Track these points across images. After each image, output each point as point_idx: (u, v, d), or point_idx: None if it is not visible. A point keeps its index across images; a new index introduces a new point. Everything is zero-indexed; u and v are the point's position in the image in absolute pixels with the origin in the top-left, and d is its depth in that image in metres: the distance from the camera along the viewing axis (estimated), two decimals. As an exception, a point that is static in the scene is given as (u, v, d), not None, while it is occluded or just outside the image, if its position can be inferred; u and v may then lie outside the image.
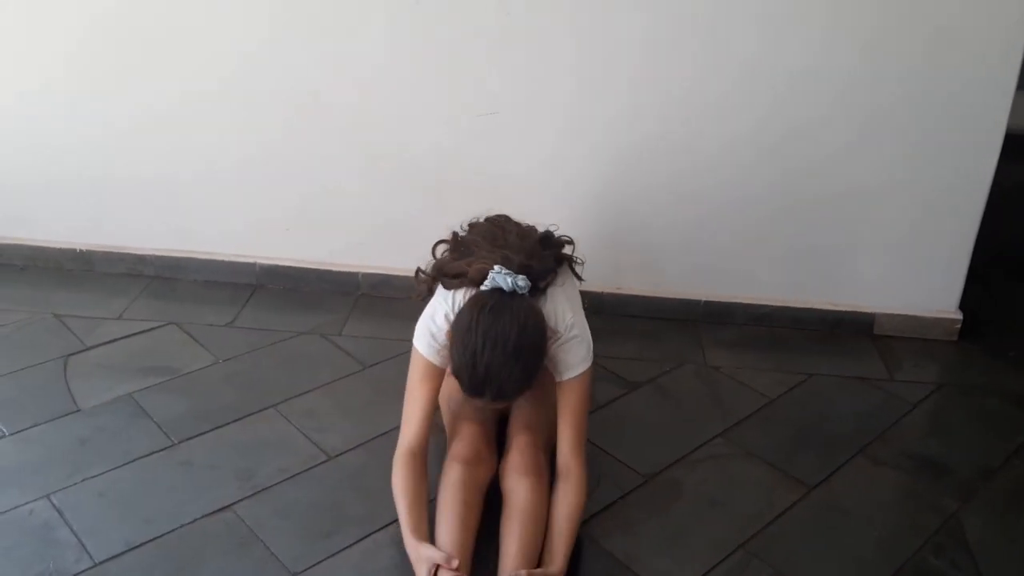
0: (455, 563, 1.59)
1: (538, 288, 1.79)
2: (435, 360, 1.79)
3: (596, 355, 2.35)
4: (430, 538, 1.68)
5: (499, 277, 1.72)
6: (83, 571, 1.68)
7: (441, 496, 1.75)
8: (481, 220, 1.97)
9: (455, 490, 1.76)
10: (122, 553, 1.72)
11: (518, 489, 1.78)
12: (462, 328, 1.66)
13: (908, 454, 2.12)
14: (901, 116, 2.34)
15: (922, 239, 2.49)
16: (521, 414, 1.94)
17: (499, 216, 1.97)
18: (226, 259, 2.71)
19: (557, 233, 1.98)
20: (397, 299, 2.61)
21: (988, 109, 2.29)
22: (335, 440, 2.06)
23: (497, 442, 1.94)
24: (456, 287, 1.79)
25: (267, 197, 2.63)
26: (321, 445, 2.05)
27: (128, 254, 2.73)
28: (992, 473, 2.07)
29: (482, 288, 1.73)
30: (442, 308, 1.79)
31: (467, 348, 1.63)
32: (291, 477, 1.95)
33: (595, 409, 2.22)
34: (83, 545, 1.73)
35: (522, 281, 1.73)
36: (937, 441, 2.19)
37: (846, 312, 2.60)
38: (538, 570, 1.62)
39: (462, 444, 1.85)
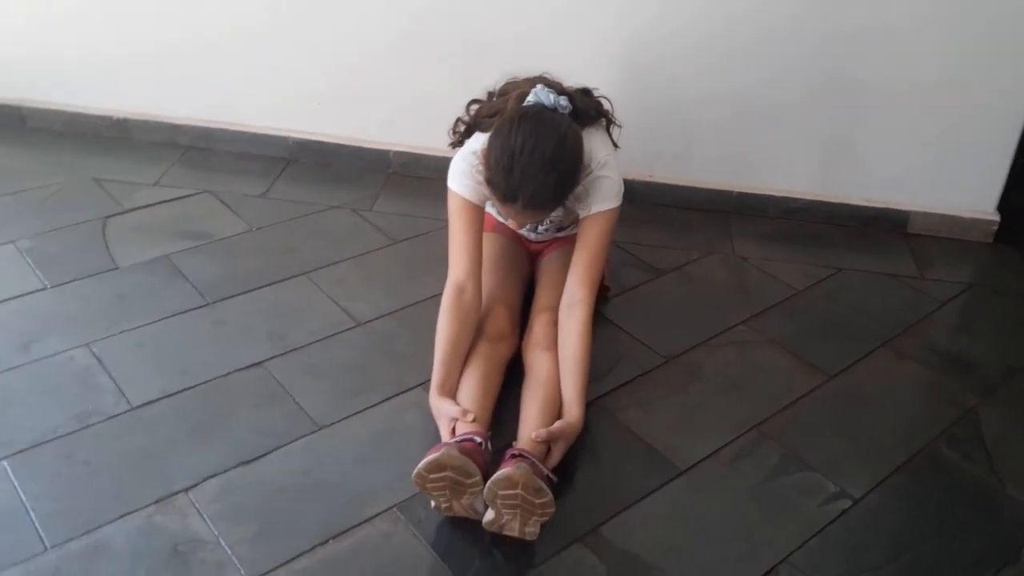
0: (471, 416, 1.64)
1: (576, 121, 1.81)
2: (471, 196, 1.82)
3: (624, 241, 2.40)
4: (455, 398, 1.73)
5: (542, 93, 1.76)
6: (120, 414, 1.76)
7: (466, 369, 1.80)
8: (517, 77, 1.95)
9: (478, 363, 1.80)
10: (158, 399, 1.80)
11: (539, 362, 1.82)
12: (503, 132, 1.69)
13: (933, 349, 2.13)
14: (945, 7, 2.26)
15: (962, 136, 2.43)
16: (544, 293, 1.97)
17: (538, 75, 1.94)
18: (260, 131, 2.72)
19: (597, 94, 1.99)
20: (428, 178, 2.62)
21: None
22: (364, 309, 2.10)
23: (522, 324, 1.98)
24: (493, 126, 1.78)
25: (300, 71, 2.62)
26: (351, 312, 2.09)
27: (164, 123, 2.75)
28: (1016, 372, 2.07)
29: (524, 103, 1.76)
30: (477, 144, 1.81)
31: (505, 150, 1.67)
32: (321, 340, 2.00)
33: (619, 293, 2.25)
34: (121, 390, 1.81)
35: (564, 100, 1.77)
36: (963, 338, 2.20)
37: (880, 209, 2.56)
38: (556, 424, 1.66)
39: (488, 322, 1.89)
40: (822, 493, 1.70)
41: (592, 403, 1.84)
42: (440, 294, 1.85)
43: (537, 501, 1.46)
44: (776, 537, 1.60)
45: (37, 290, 2.09)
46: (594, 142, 1.87)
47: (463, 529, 1.56)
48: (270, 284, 2.17)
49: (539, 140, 1.67)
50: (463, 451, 1.48)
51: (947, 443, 1.85)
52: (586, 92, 1.96)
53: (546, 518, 1.50)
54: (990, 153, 2.45)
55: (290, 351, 1.96)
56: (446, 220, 1.89)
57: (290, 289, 2.16)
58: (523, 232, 2.12)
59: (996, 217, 2.53)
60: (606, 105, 2.00)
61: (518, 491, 1.44)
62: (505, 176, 1.67)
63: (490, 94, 1.95)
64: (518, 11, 2.41)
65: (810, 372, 2.02)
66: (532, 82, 1.86)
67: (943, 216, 2.54)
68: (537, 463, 1.53)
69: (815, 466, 1.76)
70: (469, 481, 1.48)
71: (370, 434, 1.76)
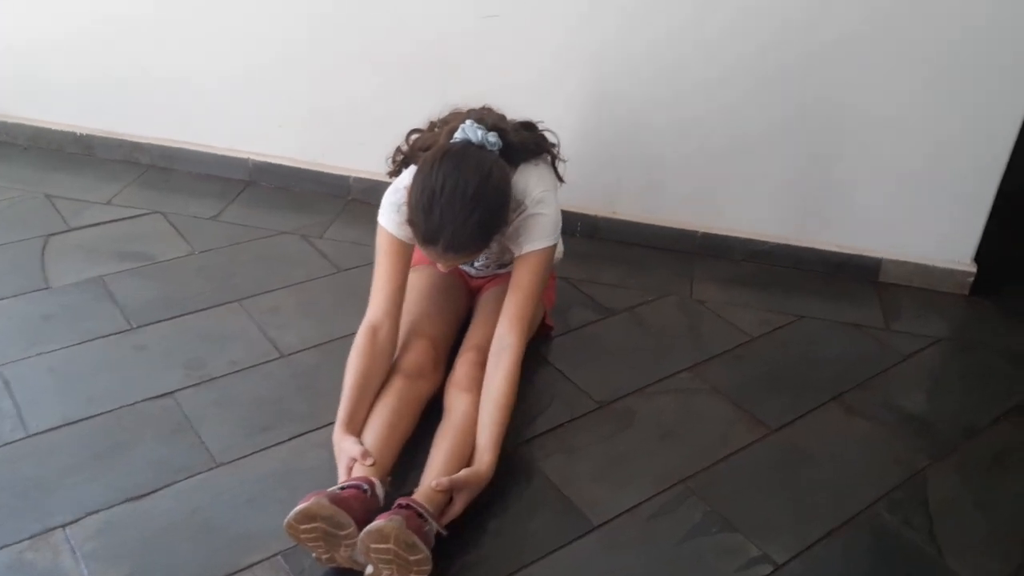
0: (370, 460, 1.56)
1: (509, 157, 1.75)
2: (399, 233, 1.75)
3: (577, 278, 2.32)
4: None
5: (469, 129, 1.69)
6: (16, 440, 1.70)
7: (376, 405, 1.72)
8: (461, 109, 1.88)
9: (389, 399, 1.72)
10: (58, 427, 1.74)
11: (457, 404, 1.74)
12: (424, 171, 1.63)
13: (888, 406, 2.00)
14: (922, 35, 2.15)
15: (937, 180, 2.31)
16: (473, 331, 1.90)
17: (482, 107, 1.87)
18: (221, 152, 2.69)
19: (542, 127, 1.91)
20: (386, 206, 2.55)
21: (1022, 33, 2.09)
22: (292, 339, 2.04)
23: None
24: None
25: (263, 92, 2.58)
26: (277, 343, 2.03)
27: (126, 141, 2.73)
28: (975, 433, 1.94)
29: (451, 141, 1.69)
30: (407, 179, 1.74)
31: (425, 190, 1.60)
32: (240, 371, 1.94)
33: (563, 332, 2.16)
34: (21, 416, 1.76)
35: (492, 137, 1.70)
36: (923, 395, 2.07)
37: (850, 255, 2.45)
38: (461, 473, 1.57)
39: (406, 357, 1.81)
40: (742, 557, 1.59)
41: (514, 448, 1.76)
42: (361, 330, 1.78)
43: (411, 557, 1.37)
44: (681, 604, 1.50)
45: (-34, 306, 2.06)
46: (530, 178, 1.80)
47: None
48: (201, 310, 2.11)
49: (460, 179, 1.59)
50: (335, 500, 1.40)
51: (888, 507, 1.73)
52: (528, 126, 1.88)
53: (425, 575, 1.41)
54: (967, 199, 2.33)
55: (204, 381, 1.89)
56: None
57: (220, 316, 2.11)
58: (463, 267, 2.05)
59: (972, 268, 2.41)
60: (551, 139, 1.92)
61: (390, 545, 1.36)
62: (425, 217, 1.60)
63: (432, 123, 1.88)
64: (485, 37, 2.35)
65: (751, 424, 1.91)
66: (475, 113, 1.79)
67: (916, 265, 2.42)
68: (424, 514, 1.44)
69: (739, 527, 1.65)
70: (342, 533, 1.39)
71: (269, 474, 1.68)
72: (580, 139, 2.43)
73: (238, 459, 1.71)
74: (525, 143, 1.82)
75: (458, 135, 1.69)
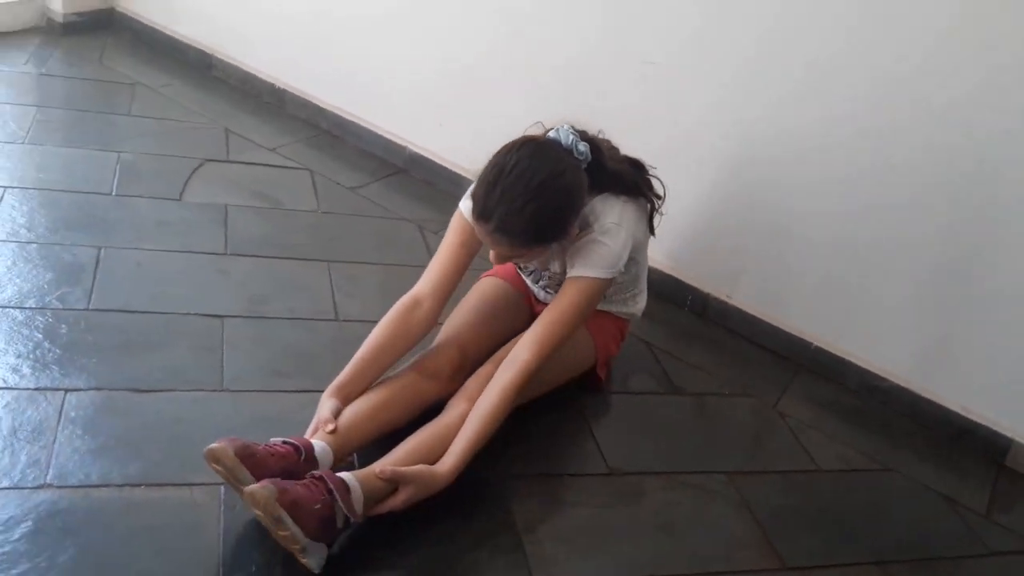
0: (329, 428, 1.55)
1: (598, 180, 1.71)
2: (470, 217, 1.70)
3: (661, 348, 2.21)
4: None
5: (563, 131, 1.68)
6: (75, 309, 1.87)
7: (378, 384, 1.71)
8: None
9: (390, 386, 1.71)
10: (113, 311, 1.90)
11: (452, 409, 1.69)
12: (503, 150, 1.62)
13: (939, 594, 1.71)
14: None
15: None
16: (506, 349, 1.83)
17: (597, 132, 1.81)
18: (384, 135, 2.82)
19: (656, 177, 1.84)
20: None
21: None
22: (354, 308, 2.09)
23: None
24: None
25: (435, 92, 2.68)
26: (339, 307, 2.08)
27: (312, 103, 2.94)
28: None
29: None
30: None
31: (496, 166, 1.59)
32: (292, 319, 2.01)
33: (612, 391, 2.04)
34: (91, 292, 1.93)
35: (583, 147, 1.67)
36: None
37: (978, 424, 2.12)
38: (412, 467, 1.51)
39: (430, 357, 1.79)
40: None
41: (497, 476, 1.69)
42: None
43: (280, 532, 1.34)
44: None
45: (104, 193, 2.30)
46: (610, 208, 1.73)
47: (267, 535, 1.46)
48: (291, 258, 2.22)
49: (531, 165, 1.57)
50: (245, 453, 1.39)
51: None
52: (635, 164, 1.82)
53: (298, 552, 1.36)
54: None
55: (255, 317, 1.98)
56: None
57: (304, 268, 2.20)
58: (533, 288, 2.00)
59: (1125, 483, 2.01)
60: (657, 187, 1.84)
61: (260, 513, 1.33)
62: (486, 191, 1.59)
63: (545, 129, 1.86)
64: (640, 83, 2.31)
65: (764, 553, 1.70)
66: (580, 127, 1.74)
67: (1054, 459, 2.06)
68: (334, 492, 1.39)
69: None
70: (242, 486, 1.38)
71: (261, 414, 1.72)
72: (709, 210, 2.32)
73: (243, 391, 1.76)
74: (621, 175, 1.76)
75: (551, 133, 1.68)
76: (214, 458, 1.39)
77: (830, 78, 2.04)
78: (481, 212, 1.60)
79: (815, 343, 2.28)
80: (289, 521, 1.31)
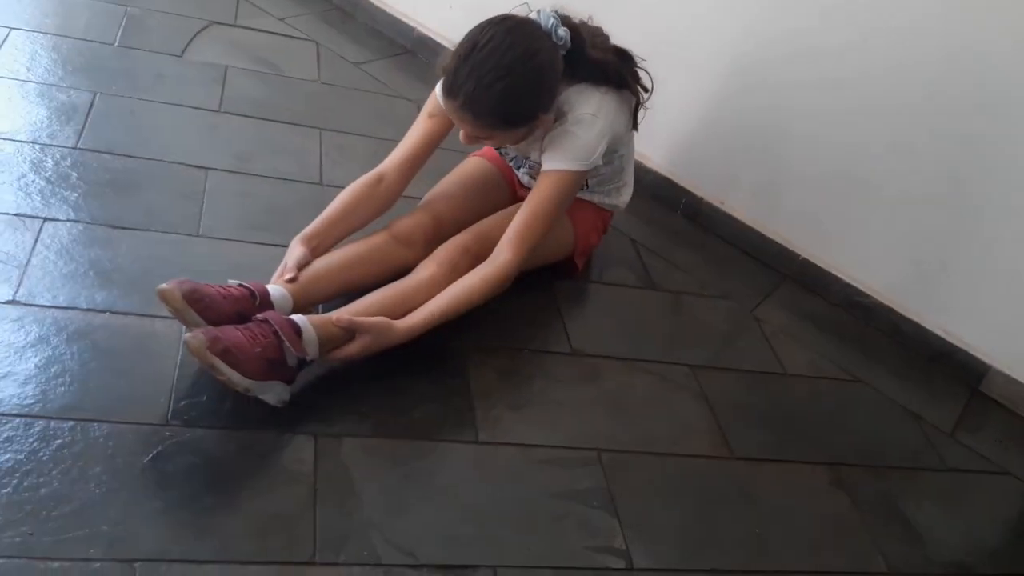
0: (288, 275, 1.57)
1: (577, 69, 1.67)
2: (442, 98, 1.68)
3: (647, 245, 2.20)
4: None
5: (543, 14, 1.64)
6: (64, 147, 1.89)
7: (349, 243, 1.72)
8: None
9: (361, 245, 1.72)
10: (100, 151, 1.92)
11: (420, 271, 1.70)
12: (480, 25, 1.59)
13: (885, 502, 1.72)
14: None
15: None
16: (483, 224, 1.83)
17: (587, 18, 1.76)
18: (393, 14, 2.78)
19: (645, 69, 1.78)
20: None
21: None
22: (338, 175, 2.08)
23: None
24: None
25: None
26: (325, 172, 2.09)
27: (328, -22, 2.91)
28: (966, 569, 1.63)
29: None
30: None
31: (469, 39, 1.57)
32: (276, 178, 2.02)
33: (587, 279, 2.05)
34: (81, 131, 1.95)
35: (562, 31, 1.63)
36: (934, 516, 1.73)
37: (956, 348, 2.10)
38: (370, 319, 1.52)
39: (402, 221, 1.79)
40: (602, 541, 1.44)
41: (458, 341, 1.71)
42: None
43: (218, 377, 1.37)
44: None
45: (107, 43, 2.30)
46: (586, 98, 1.70)
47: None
48: (283, 122, 2.22)
49: (505, 42, 1.54)
50: (195, 295, 1.41)
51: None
52: (622, 54, 1.76)
53: (244, 393, 1.40)
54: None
55: (240, 172, 1.99)
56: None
57: (295, 132, 2.20)
58: (517, 173, 1.99)
59: (1098, 414, 1.99)
60: (645, 80, 1.80)
61: (197, 359, 1.37)
62: (457, 65, 1.56)
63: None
64: None
65: (714, 442, 1.71)
66: (564, 13, 1.69)
67: (1030, 390, 2.05)
68: (280, 334, 1.41)
69: (623, 517, 1.49)
70: (189, 327, 1.42)
71: (231, 262, 1.73)
72: (708, 113, 2.28)
73: (217, 238, 1.79)
74: (603, 64, 1.71)
75: (532, 15, 1.64)
76: (163, 299, 1.42)
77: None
78: (449, 87, 1.57)
79: (803, 255, 2.26)
80: (223, 367, 1.34)
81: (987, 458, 1.91)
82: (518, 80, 1.55)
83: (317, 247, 1.67)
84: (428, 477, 1.46)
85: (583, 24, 1.72)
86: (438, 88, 1.72)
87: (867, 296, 2.19)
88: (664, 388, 1.81)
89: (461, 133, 1.68)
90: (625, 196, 2.01)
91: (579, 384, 1.75)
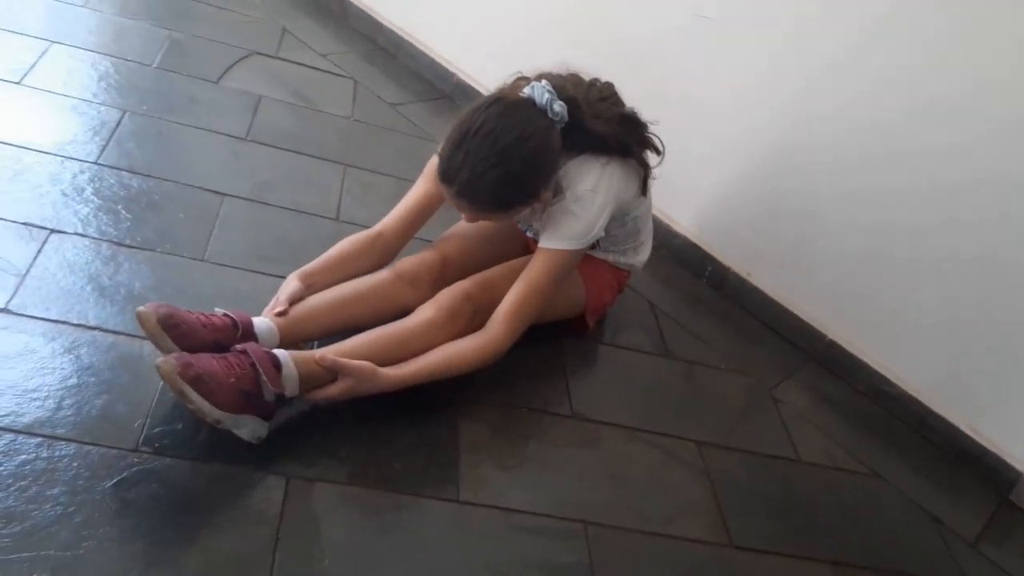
0: (277, 309, 1.53)
1: (576, 140, 1.61)
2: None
3: (666, 311, 2.14)
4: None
5: (538, 88, 1.58)
6: (84, 161, 1.89)
7: (350, 281, 1.67)
8: (580, 75, 1.76)
9: (363, 283, 1.67)
10: (122, 169, 1.91)
11: (418, 314, 1.63)
12: (471, 108, 1.56)
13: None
14: None
15: None
16: (490, 274, 1.76)
17: (592, 79, 1.73)
18: (436, 59, 2.78)
19: (655, 134, 1.72)
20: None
21: None
22: (357, 213, 2.05)
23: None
24: None
25: (492, 19, 2.62)
26: (343, 209, 2.06)
27: (373, 19, 2.92)
28: None
29: (519, 92, 1.59)
30: None
31: (462, 125, 1.53)
32: (293, 210, 1.99)
33: (598, 339, 1.98)
34: (105, 147, 1.95)
35: (558, 107, 1.58)
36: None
37: (986, 450, 1.98)
38: (357, 361, 1.46)
39: (409, 259, 1.75)
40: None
41: (451, 392, 1.63)
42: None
43: (188, 405, 1.31)
44: None
45: (146, 64, 2.32)
46: (586, 172, 1.64)
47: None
48: (309, 155, 2.21)
49: (497, 127, 1.50)
50: (170, 320, 1.38)
51: None
52: (630, 121, 1.69)
53: (214, 424, 1.34)
54: None
55: (256, 201, 1.97)
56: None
57: (320, 167, 2.18)
58: (527, 233, 1.94)
59: None
60: (657, 144, 1.73)
61: (168, 385, 1.32)
62: (450, 152, 1.52)
63: (540, 75, 1.71)
64: (691, 38, 2.20)
65: (714, 526, 1.61)
66: (560, 79, 1.64)
67: (1063, 502, 1.91)
68: (257, 367, 1.36)
69: (603, 596, 1.40)
70: (163, 352, 1.38)
71: (232, 289, 1.70)
72: (741, 182, 2.21)
73: (221, 265, 1.76)
74: (605, 135, 1.64)
75: (526, 90, 1.58)
76: (140, 320, 1.38)
77: (879, 59, 1.90)
78: (444, 174, 1.54)
79: (830, 336, 2.16)
80: (193, 395, 1.29)
81: (1011, 575, 1.78)
82: (512, 166, 1.51)
83: (313, 284, 1.63)
84: (400, 533, 1.39)
85: (579, 86, 1.66)
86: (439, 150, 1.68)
87: (894, 386, 2.08)
88: (666, 462, 1.72)
89: (464, 215, 1.64)
90: (642, 256, 1.95)
91: (575, 449, 1.67)
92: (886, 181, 1.97)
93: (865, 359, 2.12)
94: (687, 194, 2.29)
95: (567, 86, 1.63)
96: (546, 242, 1.66)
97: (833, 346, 2.15)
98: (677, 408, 1.88)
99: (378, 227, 1.75)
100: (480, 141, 1.50)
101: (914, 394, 2.06)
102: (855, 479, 1.87)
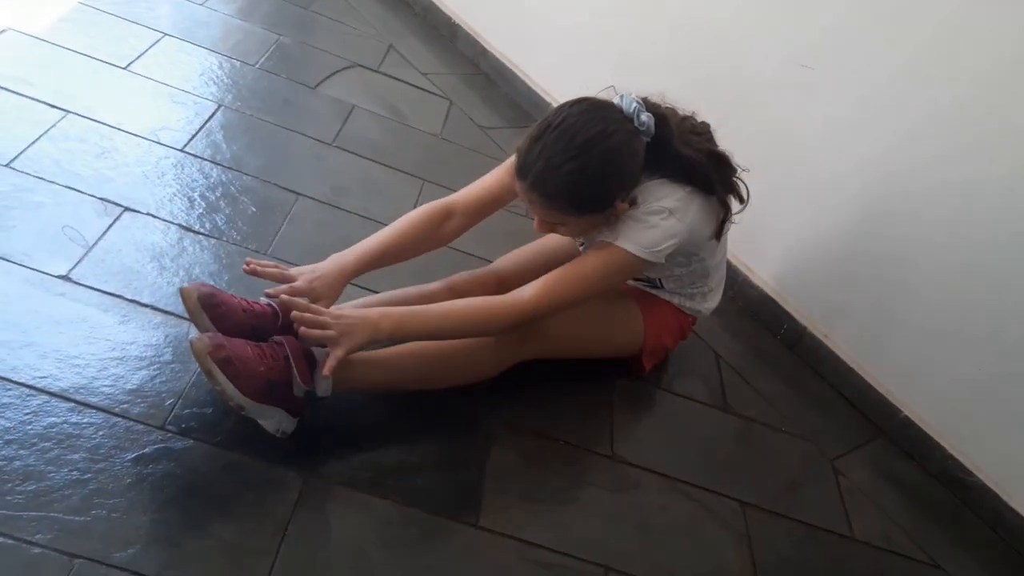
0: (289, 286, 1.45)
1: (659, 162, 1.53)
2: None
3: (732, 363, 2.06)
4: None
5: (626, 98, 1.51)
6: (168, 146, 1.96)
7: (409, 292, 1.66)
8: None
9: (414, 291, 1.66)
10: (209, 159, 1.97)
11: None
12: (553, 109, 1.51)
13: None
14: None
15: None
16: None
17: (688, 114, 1.63)
18: (534, 88, 2.78)
19: (743, 180, 1.63)
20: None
21: None
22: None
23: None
24: None
25: (589, 52, 2.61)
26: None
27: (480, 44, 2.94)
28: None
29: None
30: None
31: (542, 122, 1.48)
32: (361, 216, 2.01)
33: (654, 384, 1.90)
34: (191, 135, 2.01)
35: (645, 116, 1.49)
36: None
37: (1067, 556, 1.80)
38: (352, 309, 1.42)
39: (468, 277, 1.74)
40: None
41: (490, 416, 1.61)
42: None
43: (214, 386, 1.31)
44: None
45: (249, 64, 2.40)
46: (670, 193, 1.55)
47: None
48: (389, 166, 2.22)
49: (579, 122, 1.44)
50: (207, 300, 1.39)
51: None
52: (719, 158, 1.60)
53: (237, 410, 1.33)
54: None
55: (329, 204, 2.00)
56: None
57: (398, 179, 2.20)
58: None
59: None
60: (742, 191, 1.64)
61: (197, 363, 1.32)
62: (529, 145, 1.47)
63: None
64: (790, 86, 2.12)
65: (743, 593, 1.52)
66: (654, 104, 1.56)
67: None
68: (290, 360, 1.36)
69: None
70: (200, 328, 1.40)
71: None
72: (825, 239, 2.10)
73: (282, 259, 1.78)
74: (691, 162, 1.54)
75: (616, 99, 1.53)
76: (181, 298, 1.40)
77: (980, 117, 1.78)
78: (520, 168, 1.47)
79: (905, 411, 2.01)
80: (220, 376, 1.29)
81: None
82: (590, 161, 1.44)
83: (359, 269, 1.55)
84: (410, 551, 1.35)
85: (674, 114, 1.59)
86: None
87: (971, 474, 1.92)
88: (704, 519, 1.63)
89: (535, 221, 1.58)
90: (711, 303, 1.86)
91: (609, 492, 1.60)
92: (982, 257, 1.84)
93: (940, 440, 1.96)
94: (769, 245, 2.20)
95: (660, 106, 1.57)
96: (608, 237, 1.55)
97: (907, 423, 2.01)
98: (725, 465, 1.78)
99: (447, 202, 1.67)
100: (559, 135, 1.43)
101: (991, 485, 1.89)
102: (912, 567, 1.73)
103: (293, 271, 1.47)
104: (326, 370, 1.34)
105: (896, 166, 1.94)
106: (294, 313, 1.36)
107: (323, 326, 1.35)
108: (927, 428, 1.99)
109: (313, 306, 1.38)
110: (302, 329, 1.34)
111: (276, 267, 1.47)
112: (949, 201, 1.87)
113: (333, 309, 1.42)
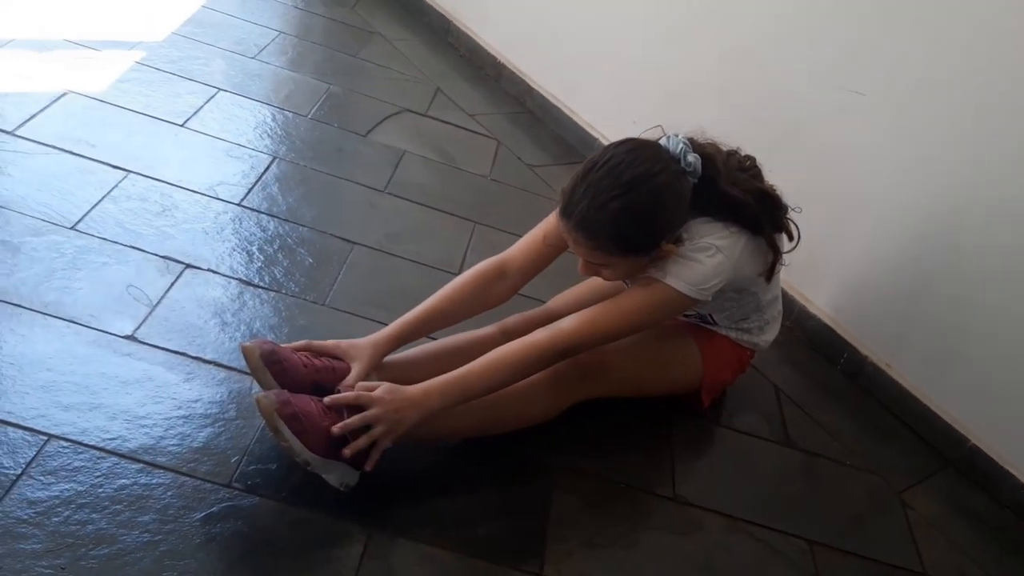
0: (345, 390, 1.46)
1: (706, 202, 1.52)
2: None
3: (792, 396, 2.03)
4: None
5: (672, 138, 1.51)
6: (222, 201, 2.01)
7: (458, 336, 1.68)
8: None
9: (467, 337, 1.67)
10: (265, 212, 2.01)
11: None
12: (601, 148, 1.51)
13: None
14: None
15: None
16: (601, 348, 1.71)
17: (742, 156, 1.64)
18: (581, 124, 2.79)
19: (795, 218, 1.62)
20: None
21: None
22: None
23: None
24: None
25: (640, 84, 2.62)
26: (465, 265, 2.07)
27: (525, 82, 2.97)
28: None
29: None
30: None
31: (587, 162, 1.48)
32: (415, 262, 2.04)
33: (713, 422, 1.88)
34: (252, 188, 2.07)
35: (692, 158, 1.49)
36: None
37: None
38: (380, 384, 1.40)
39: (521, 317, 1.74)
40: None
41: (555, 463, 1.60)
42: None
43: (281, 443, 1.33)
44: None
45: (301, 115, 2.46)
46: (713, 230, 1.54)
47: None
48: (440, 210, 2.26)
49: (624, 161, 1.44)
50: (268, 357, 1.42)
51: None
52: (768, 197, 1.59)
53: (303, 465, 1.35)
54: None
55: (383, 251, 2.03)
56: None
57: (448, 222, 2.23)
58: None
59: None
60: (791, 230, 1.64)
61: (264, 420, 1.34)
62: (574, 184, 1.47)
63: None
64: (839, 112, 2.10)
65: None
66: (701, 143, 1.56)
67: None
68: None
69: None
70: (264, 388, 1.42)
71: (347, 336, 1.73)
72: (885, 266, 2.07)
73: (340, 310, 1.82)
74: (738, 203, 1.53)
75: (663, 139, 1.53)
76: (244, 355, 1.44)
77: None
78: (565, 207, 1.47)
79: (973, 440, 1.96)
80: (287, 432, 1.32)
81: None
82: (636, 200, 1.43)
83: (401, 341, 1.58)
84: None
85: (719, 151, 1.58)
86: None
87: (1047, 504, 1.87)
88: (770, 559, 1.60)
89: (580, 263, 1.57)
90: (769, 335, 1.84)
91: (671, 535, 1.58)
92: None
93: (1012, 470, 1.91)
94: (826, 273, 2.17)
95: (706, 146, 1.56)
96: (655, 273, 1.54)
97: (976, 452, 1.96)
98: (791, 502, 1.76)
99: (501, 260, 1.66)
100: (604, 174, 1.43)
101: (1070, 515, 1.84)
102: (990, 606, 1.68)
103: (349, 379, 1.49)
104: (369, 465, 1.38)
105: (958, 201, 1.91)
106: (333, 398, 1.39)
107: (367, 421, 1.36)
108: (996, 457, 1.93)
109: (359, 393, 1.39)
110: (346, 449, 1.36)
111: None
112: (1013, 233, 1.83)
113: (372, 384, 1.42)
